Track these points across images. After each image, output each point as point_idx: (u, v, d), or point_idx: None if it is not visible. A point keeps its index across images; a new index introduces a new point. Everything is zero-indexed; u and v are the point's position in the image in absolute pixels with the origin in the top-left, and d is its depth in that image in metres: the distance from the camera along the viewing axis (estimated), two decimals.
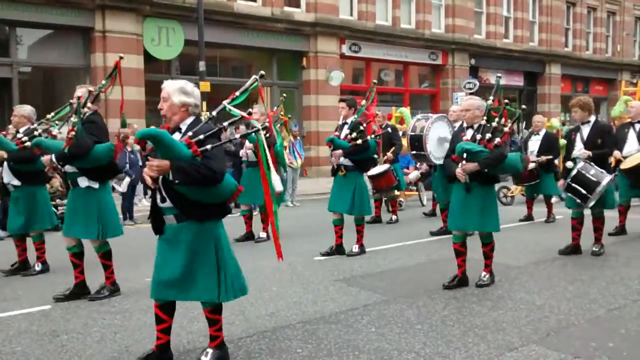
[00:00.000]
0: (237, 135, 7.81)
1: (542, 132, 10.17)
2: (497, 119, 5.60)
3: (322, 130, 19.00)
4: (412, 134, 9.07)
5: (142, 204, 12.98)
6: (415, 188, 12.71)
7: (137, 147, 12.27)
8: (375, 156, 8.66)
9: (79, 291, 5.61)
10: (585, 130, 6.94)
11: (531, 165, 9.86)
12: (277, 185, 3.97)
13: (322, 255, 7.32)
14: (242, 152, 8.46)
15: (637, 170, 7.87)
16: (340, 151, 7.18)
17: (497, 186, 7.40)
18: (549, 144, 10.03)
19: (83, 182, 5.46)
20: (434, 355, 4.04)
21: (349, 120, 7.34)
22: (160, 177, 3.61)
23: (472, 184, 5.55)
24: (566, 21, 28.48)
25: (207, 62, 15.46)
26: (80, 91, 5.61)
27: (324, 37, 19.59)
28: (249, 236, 8.58)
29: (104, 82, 5.83)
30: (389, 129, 10.47)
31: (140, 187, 12.73)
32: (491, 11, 25.10)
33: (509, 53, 25.38)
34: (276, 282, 6.13)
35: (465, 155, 5.45)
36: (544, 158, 9.84)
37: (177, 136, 3.72)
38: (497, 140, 5.43)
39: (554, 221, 9.99)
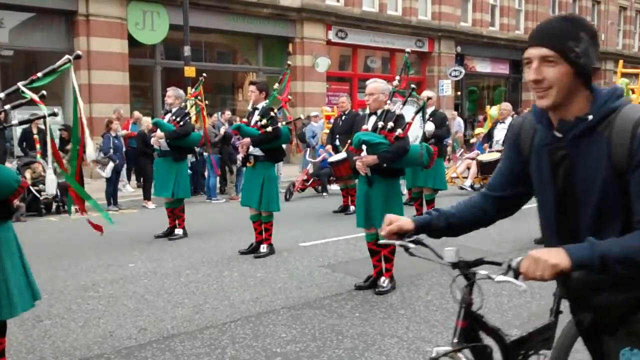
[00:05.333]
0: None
1: (508, 120, 9.69)
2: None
3: (310, 117, 18.96)
4: None
5: (127, 190, 12.91)
6: None
7: (122, 132, 12.20)
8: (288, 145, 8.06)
9: None
10: None
11: (497, 155, 9.69)
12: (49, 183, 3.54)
13: (241, 253, 6.75)
14: (152, 141, 7.76)
15: None
16: (247, 140, 6.51)
17: None
18: None
19: None
20: (416, 339, 4.09)
21: (259, 106, 6.68)
22: None
23: (373, 177, 5.04)
24: (552, 9, 28.56)
25: (192, 47, 15.30)
26: None
27: (310, 23, 19.48)
28: (170, 231, 7.90)
29: None
30: (353, 116, 9.93)
31: (124, 173, 12.67)
32: None
33: (494, 41, 25.41)
34: (261, 267, 6.15)
35: (364, 146, 4.96)
36: None
37: None
38: (399, 131, 4.93)
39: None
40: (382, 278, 5.28)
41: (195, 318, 4.58)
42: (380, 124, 4.97)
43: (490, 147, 10.06)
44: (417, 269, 5.95)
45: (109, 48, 15.34)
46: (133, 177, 13.85)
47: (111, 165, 10.81)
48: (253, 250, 6.78)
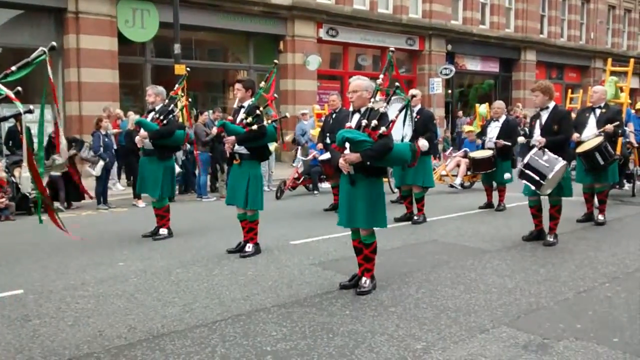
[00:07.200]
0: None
1: (502, 119, 9.89)
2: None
3: (299, 114, 18.94)
4: None
5: (117, 188, 12.86)
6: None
7: (112, 131, 12.14)
8: (275, 144, 8.06)
9: None
10: (544, 116, 6.89)
11: (489, 153, 9.82)
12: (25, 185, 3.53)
13: (229, 252, 6.72)
14: (136, 140, 7.61)
15: (591, 155, 7.98)
16: (233, 138, 6.45)
17: None
18: (508, 131, 9.70)
19: None
20: (406, 337, 4.10)
21: (245, 104, 6.62)
22: None
23: (356, 176, 4.98)
24: (542, 8, 28.70)
25: (183, 44, 15.24)
26: None
27: (301, 20, 19.46)
28: (157, 231, 7.73)
29: None
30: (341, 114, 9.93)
31: (114, 171, 12.61)
32: None
33: (485, 39, 25.50)
34: (252, 266, 6.14)
35: (347, 144, 4.90)
36: (501, 142, 9.57)
37: None
38: (383, 129, 4.85)
39: (504, 209, 9.78)
40: (363, 279, 5.22)
41: (185, 317, 4.56)
42: (364, 122, 4.90)
43: (483, 144, 10.12)
44: (408, 267, 5.97)
45: (98, 46, 15.26)
46: (123, 176, 13.80)
47: (101, 163, 10.75)
48: (240, 249, 6.75)
